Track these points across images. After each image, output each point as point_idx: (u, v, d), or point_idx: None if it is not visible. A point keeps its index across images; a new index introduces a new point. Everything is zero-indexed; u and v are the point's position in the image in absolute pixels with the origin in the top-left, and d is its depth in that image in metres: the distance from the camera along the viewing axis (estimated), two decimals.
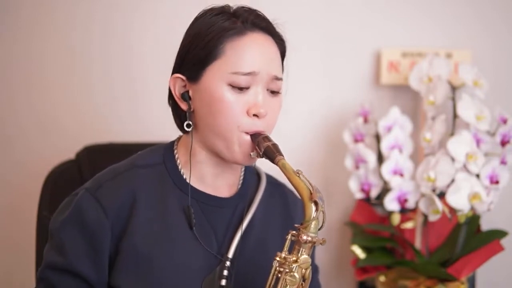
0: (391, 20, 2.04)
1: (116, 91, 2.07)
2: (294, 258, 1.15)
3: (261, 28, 1.25)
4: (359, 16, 2.04)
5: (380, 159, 1.87)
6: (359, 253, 1.89)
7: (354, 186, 1.89)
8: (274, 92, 1.26)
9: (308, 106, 2.06)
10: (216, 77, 1.22)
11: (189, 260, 1.25)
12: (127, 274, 1.22)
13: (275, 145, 1.21)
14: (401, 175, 1.82)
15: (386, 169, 1.82)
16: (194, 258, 1.25)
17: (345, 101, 2.05)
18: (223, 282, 1.26)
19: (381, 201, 1.84)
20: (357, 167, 1.89)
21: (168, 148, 1.33)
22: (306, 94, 2.05)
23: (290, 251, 1.17)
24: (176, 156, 1.31)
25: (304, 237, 1.14)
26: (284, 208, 1.40)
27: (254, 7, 1.29)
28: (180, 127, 1.31)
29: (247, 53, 1.22)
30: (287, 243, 1.17)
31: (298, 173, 1.17)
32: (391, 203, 1.81)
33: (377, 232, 1.94)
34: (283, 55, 1.32)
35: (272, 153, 1.19)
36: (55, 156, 1.81)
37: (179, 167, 1.30)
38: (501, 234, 1.79)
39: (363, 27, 2.04)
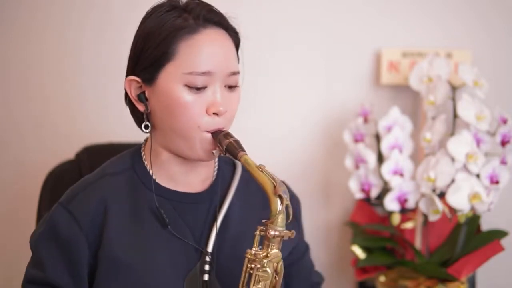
0: (391, 20, 2.04)
1: (115, 90, 2.06)
2: (265, 254, 1.15)
3: (214, 23, 1.22)
4: (359, 16, 2.04)
5: (380, 159, 1.87)
6: (359, 253, 1.89)
7: (354, 186, 1.89)
8: (231, 87, 1.24)
9: (308, 106, 2.06)
10: (171, 78, 1.20)
11: (168, 260, 1.24)
12: (108, 283, 1.22)
13: (237, 141, 1.19)
14: (401, 175, 1.82)
15: (386, 169, 1.82)
16: (173, 258, 1.25)
17: (345, 101, 2.05)
18: (206, 277, 1.26)
19: (381, 201, 1.84)
20: (357, 167, 1.89)
21: (136, 152, 1.32)
22: (306, 94, 2.05)
23: (261, 246, 1.17)
24: (144, 158, 1.30)
25: (272, 232, 1.14)
26: (263, 194, 1.38)
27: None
28: (140, 128, 1.29)
29: (201, 52, 1.19)
30: (257, 238, 1.17)
31: (261, 168, 1.16)
32: (391, 203, 1.81)
33: (377, 232, 1.94)
34: (237, 47, 1.28)
35: (234, 149, 1.18)
36: (53, 158, 1.81)
37: (148, 169, 1.29)
38: (501, 234, 1.79)
39: (363, 27, 2.04)
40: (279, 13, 2.00)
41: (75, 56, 2.06)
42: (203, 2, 1.24)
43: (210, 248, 1.27)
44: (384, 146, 1.85)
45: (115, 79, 2.06)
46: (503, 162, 1.73)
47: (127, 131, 2.02)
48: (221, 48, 1.22)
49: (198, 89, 1.20)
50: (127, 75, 1.26)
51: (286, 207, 1.14)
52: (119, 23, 2.04)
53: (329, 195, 2.08)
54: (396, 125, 1.86)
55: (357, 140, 1.90)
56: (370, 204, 1.95)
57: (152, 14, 1.24)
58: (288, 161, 2.03)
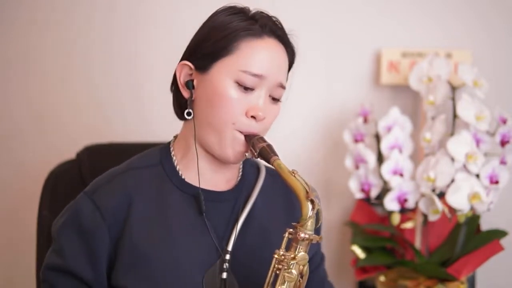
0: (391, 20, 2.04)
1: (116, 90, 2.07)
2: (292, 255, 1.18)
3: (276, 36, 1.28)
4: (359, 16, 2.04)
5: (380, 159, 1.87)
6: (359, 253, 1.89)
7: (354, 186, 1.89)
8: (275, 99, 1.29)
9: (308, 106, 2.06)
10: (224, 71, 1.24)
11: (189, 255, 1.26)
12: (127, 273, 1.24)
13: (270, 146, 1.23)
14: (401, 175, 1.82)
15: (386, 169, 1.82)
16: (194, 254, 1.26)
17: (345, 101, 2.05)
18: (224, 275, 1.27)
19: (381, 201, 1.84)
20: (357, 167, 1.89)
21: (165, 149, 1.34)
22: (306, 94, 2.05)
23: (287, 249, 1.19)
24: (173, 154, 1.32)
25: (302, 235, 1.17)
26: (286, 198, 1.41)
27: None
28: (178, 114, 1.33)
29: (260, 55, 1.25)
30: (285, 240, 1.19)
31: (293, 172, 1.19)
32: (391, 203, 1.81)
33: (377, 232, 1.94)
34: (290, 65, 1.34)
35: (267, 153, 1.22)
36: (54, 157, 1.81)
37: (176, 166, 1.31)
38: (501, 234, 1.80)
39: (363, 27, 2.04)
40: (279, 13, 1.99)
41: (76, 56, 2.06)
42: (270, 15, 1.30)
43: (230, 247, 1.29)
44: (384, 146, 1.85)
45: (116, 79, 2.07)
46: (503, 162, 1.73)
47: (128, 131, 2.04)
48: (277, 58, 1.28)
49: (246, 89, 1.24)
50: (181, 60, 1.30)
51: (317, 212, 1.18)
52: (122, 24, 2.04)
53: (329, 195, 2.08)
54: (396, 125, 1.86)
55: (357, 140, 1.91)
56: (370, 204, 1.96)
57: (222, 12, 1.30)
58: (288, 161, 2.01)
